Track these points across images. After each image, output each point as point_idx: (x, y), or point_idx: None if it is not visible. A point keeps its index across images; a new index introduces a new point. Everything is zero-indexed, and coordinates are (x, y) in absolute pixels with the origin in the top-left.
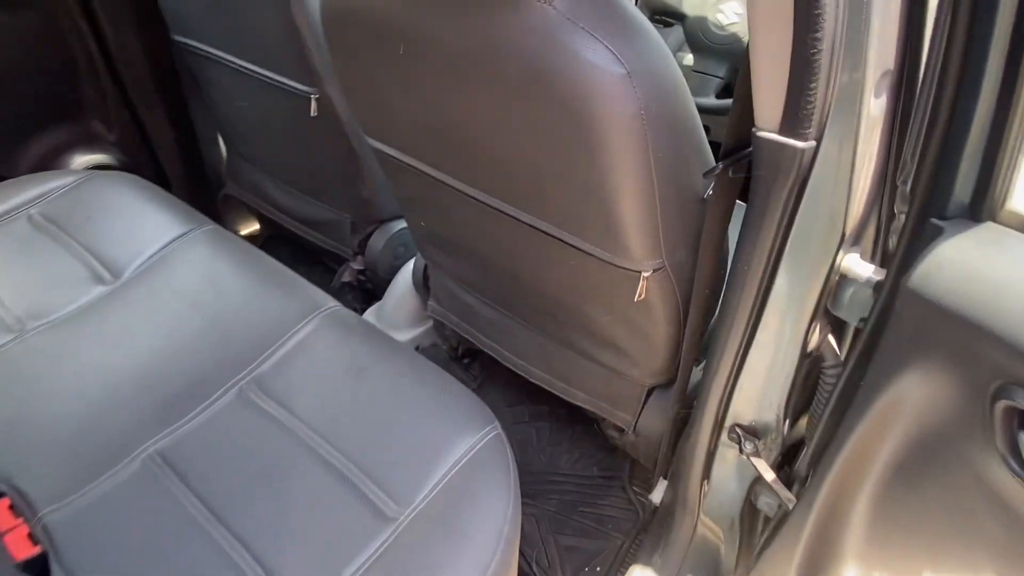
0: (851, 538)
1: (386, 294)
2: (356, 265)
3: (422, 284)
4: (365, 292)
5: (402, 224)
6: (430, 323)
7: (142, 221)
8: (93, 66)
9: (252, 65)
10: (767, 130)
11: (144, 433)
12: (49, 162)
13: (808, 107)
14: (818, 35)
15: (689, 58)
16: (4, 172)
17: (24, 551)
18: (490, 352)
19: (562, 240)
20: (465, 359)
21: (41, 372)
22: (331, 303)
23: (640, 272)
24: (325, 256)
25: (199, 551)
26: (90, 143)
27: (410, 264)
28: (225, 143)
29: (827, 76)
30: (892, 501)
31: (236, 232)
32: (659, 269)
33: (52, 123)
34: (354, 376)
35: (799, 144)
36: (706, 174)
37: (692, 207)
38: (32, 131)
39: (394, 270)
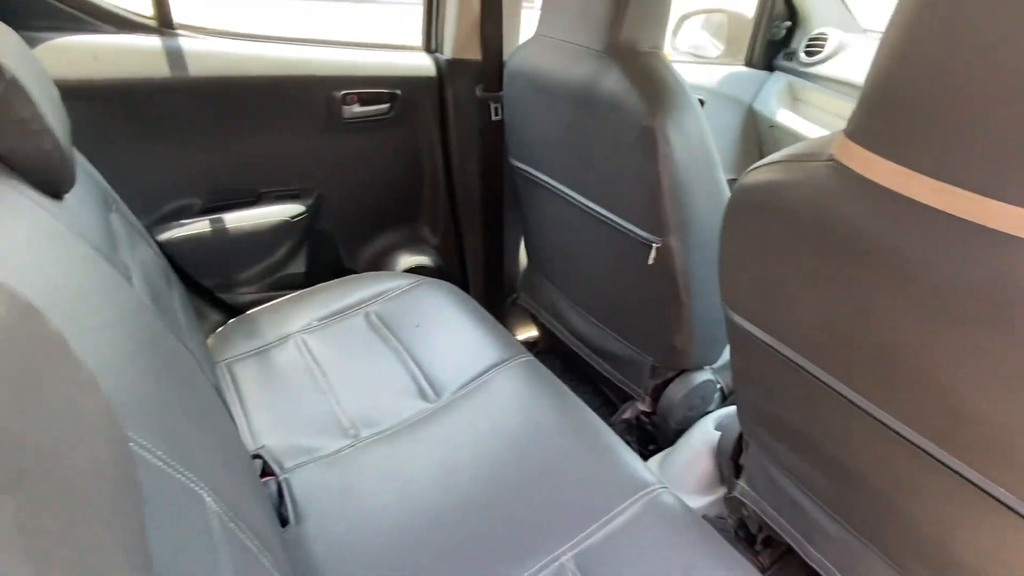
0: None
1: (677, 450)
2: (643, 407)
3: (729, 457)
4: (643, 432)
5: (705, 376)
6: (720, 493)
7: (464, 339)
8: (435, 179)
9: (595, 205)
10: None
11: None
12: (381, 259)
13: None
14: None
15: None
16: (349, 266)
17: None
18: (819, 568)
19: (1019, 513)
20: (759, 545)
21: (371, 488)
22: (655, 483)
23: None
24: (600, 380)
25: None
26: (415, 245)
27: (706, 422)
28: (528, 257)
29: None
30: None
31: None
32: None
33: (392, 225)
34: None
35: None
36: None
37: None
38: (377, 231)
39: (687, 421)
